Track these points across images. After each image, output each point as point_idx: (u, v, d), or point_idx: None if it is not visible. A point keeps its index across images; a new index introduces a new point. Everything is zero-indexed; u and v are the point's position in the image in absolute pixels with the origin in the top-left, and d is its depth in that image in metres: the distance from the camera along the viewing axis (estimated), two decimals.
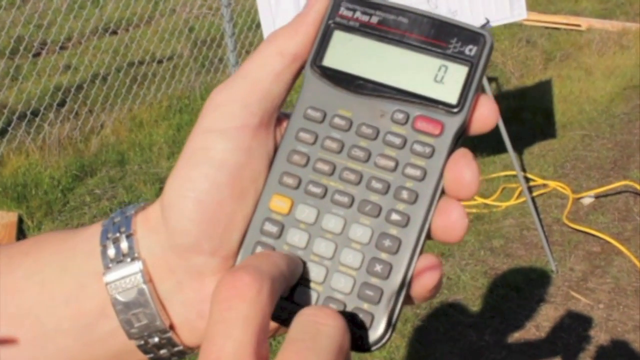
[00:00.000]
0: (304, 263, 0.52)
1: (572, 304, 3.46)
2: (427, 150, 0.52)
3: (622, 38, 7.10)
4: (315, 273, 0.52)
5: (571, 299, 3.49)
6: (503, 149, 3.72)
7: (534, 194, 4.44)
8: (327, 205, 0.52)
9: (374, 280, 0.51)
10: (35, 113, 5.29)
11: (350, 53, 0.54)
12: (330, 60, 0.54)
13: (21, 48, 5.53)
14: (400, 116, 0.53)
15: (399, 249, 0.51)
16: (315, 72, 0.55)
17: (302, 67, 0.55)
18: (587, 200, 4.35)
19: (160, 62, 6.34)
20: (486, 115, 0.53)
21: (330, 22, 0.55)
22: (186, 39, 6.72)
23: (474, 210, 4.28)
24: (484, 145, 4.91)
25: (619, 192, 4.40)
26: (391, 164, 0.52)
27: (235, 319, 0.42)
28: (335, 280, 0.51)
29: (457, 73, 0.53)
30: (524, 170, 4.68)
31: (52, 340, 0.54)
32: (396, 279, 0.51)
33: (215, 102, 0.53)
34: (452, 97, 0.52)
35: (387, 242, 0.51)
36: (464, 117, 0.52)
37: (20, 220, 4.26)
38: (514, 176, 4.31)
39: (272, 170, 0.54)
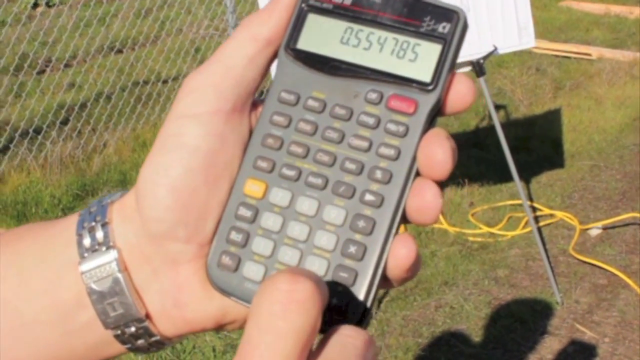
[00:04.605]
0: (279, 247, 0.52)
1: (577, 337, 3.40)
2: (401, 129, 0.52)
3: (633, 68, 7.04)
4: (290, 256, 0.51)
5: (576, 332, 3.43)
6: (510, 178, 3.67)
7: (541, 224, 4.38)
8: (301, 187, 0.52)
9: (348, 262, 0.50)
10: (37, 131, 5.28)
11: (324, 35, 0.55)
12: (304, 43, 0.55)
13: (25, 65, 5.53)
14: (373, 96, 0.53)
15: (373, 229, 0.51)
16: (289, 56, 0.54)
17: (276, 52, 0.55)
18: (595, 231, 4.28)
19: (165, 82, 6.33)
20: (463, 93, 0.53)
21: (304, 5, 0.55)
22: (192, 59, 6.72)
23: (479, 239, 4.22)
24: (490, 173, 4.86)
25: (627, 224, 4.33)
26: (365, 144, 0.52)
27: (287, 331, 0.40)
28: (310, 263, 0.51)
29: (431, 51, 0.53)
30: (531, 199, 4.62)
31: (31, 330, 0.54)
32: (371, 260, 0.50)
33: (188, 87, 0.54)
34: (425, 75, 0.52)
35: (361, 223, 0.51)
36: (438, 95, 0.52)
37: None
38: (521, 205, 4.25)
39: (246, 155, 0.54)
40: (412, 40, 0.53)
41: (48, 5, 7.39)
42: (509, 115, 6.10)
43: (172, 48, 6.63)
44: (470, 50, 3.38)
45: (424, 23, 0.53)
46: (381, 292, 3.71)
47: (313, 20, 0.55)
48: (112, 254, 0.53)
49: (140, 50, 6.65)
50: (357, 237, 0.50)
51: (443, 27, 0.53)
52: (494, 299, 3.69)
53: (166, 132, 0.53)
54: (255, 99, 0.56)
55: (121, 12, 6.94)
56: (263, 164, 0.53)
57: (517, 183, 3.62)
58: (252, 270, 0.52)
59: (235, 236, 0.52)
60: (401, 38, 0.53)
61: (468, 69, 3.45)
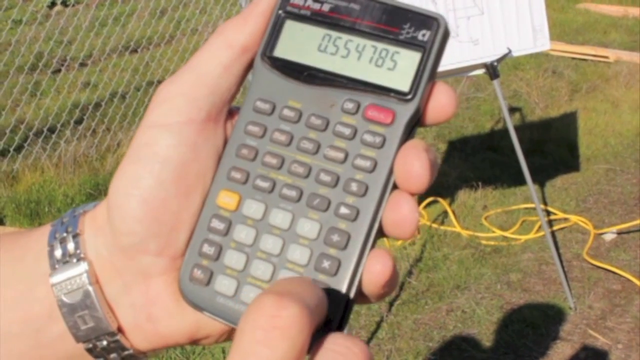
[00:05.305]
0: (252, 260, 0.50)
1: (589, 342, 3.37)
2: (378, 140, 0.50)
3: None
4: (262, 271, 0.50)
5: (589, 338, 3.40)
6: (524, 181, 3.64)
7: (555, 228, 4.35)
8: (275, 200, 0.51)
9: (322, 278, 0.49)
10: (52, 130, 5.30)
11: (301, 42, 0.53)
12: (281, 50, 0.53)
13: (41, 64, 5.55)
14: (350, 105, 0.51)
15: (348, 244, 0.49)
16: (265, 64, 0.53)
17: (253, 59, 0.54)
18: (609, 236, 4.24)
19: None
20: (443, 103, 0.51)
21: (281, 11, 0.53)
22: None
23: (492, 243, 4.20)
24: (505, 177, 4.83)
25: None
26: (341, 155, 0.50)
27: (270, 359, 0.38)
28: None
29: (409, 59, 0.51)
30: (545, 203, 4.59)
31: (3, 343, 0.53)
32: (345, 275, 0.49)
33: (161, 96, 0.52)
34: (404, 85, 0.51)
35: (335, 237, 0.49)
36: (416, 105, 0.50)
37: None
38: (534, 209, 4.22)
39: (220, 165, 0.53)
40: (391, 48, 0.51)
41: (64, 4, 7.41)
42: (524, 118, 6.07)
43: (187, 48, 6.63)
44: (484, 52, 3.36)
45: (403, 30, 0.51)
46: (392, 294, 3.69)
47: (290, 27, 0.53)
48: (83, 266, 0.52)
49: (155, 50, 6.65)
50: (331, 251, 0.49)
51: (423, 35, 0.51)
52: (506, 303, 3.67)
53: (137, 142, 0.51)
54: (232, 108, 0.55)
55: (136, 11, 6.95)
56: (237, 175, 0.52)
57: (531, 186, 3.59)
58: (224, 284, 0.50)
59: (207, 249, 0.51)
60: (380, 46, 0.52)
61: (482, 71, 3.43)
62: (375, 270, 0.48)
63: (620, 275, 3.82)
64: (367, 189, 0.50)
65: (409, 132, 0.51)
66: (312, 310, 0.41)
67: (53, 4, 8.47)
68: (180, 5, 6.89)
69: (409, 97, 0.50)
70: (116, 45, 6.42)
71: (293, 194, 0.50)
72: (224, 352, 3.27)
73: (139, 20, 6.76)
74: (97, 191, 4.80)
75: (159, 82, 6.16)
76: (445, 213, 4.47)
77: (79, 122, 5.50)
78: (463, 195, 4.68)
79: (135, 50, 6.62)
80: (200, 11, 7.02)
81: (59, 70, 6.03)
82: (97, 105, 5.68)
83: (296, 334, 0.39)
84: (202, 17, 7.18)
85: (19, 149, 5.14)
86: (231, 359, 0.39)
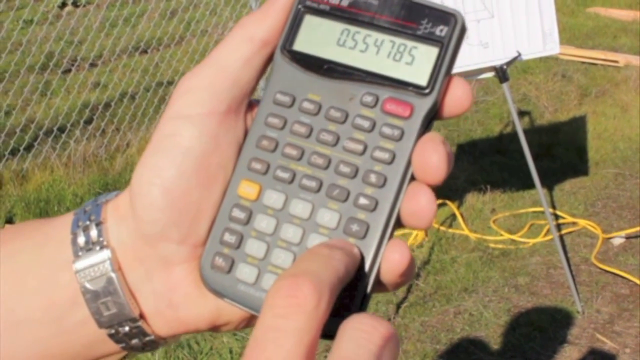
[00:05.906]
0: (272, 249, 0.51)
1: (597, 346, 3.37)
2: (396, 132, 0.51)
3: None
4: (283, 259, 0.51)
5: (596, 342, 3.39)
6: (533, 185, 3.64)
7: (563, 231, 4.34)
8: (295, 190, 0.52)
9: None
10: (61, 129, 5.31)
11: (321, 37, 0.54)
12: (301, 44, 0.54)
13: (51, 64, 5.57)
14: (369, 99, 0.52)
15: (367, 233, 0.50)
16: (285, 57, 0.54)
17: (272, 53, 0.55)
18: (618, 240, 4.23)
19: None
20: (459, 96, 0.52)
21: (300, 6, 0.54)
22: None
23: (500, 246, 4.19)
24: (513, 180, 4.83)
25: None
26: (360, 147, 0.51)
27: (290, 329, 0.41)
28: None
29: (427, 54, 0.52)
30: (553, 207, 4.59)
31: (25, 330, 0.54)
32: (364, 264, 0.50)
33: (183, 88, 0.53)
34: (422, 79, 0.52)
35: (354, 227, 0.50)
36: (434, 99, 0.51)
37: None
38: (543, 213, 4.21)
39: (241, 156, 0.54)
40: (409, 43, 0.52)
41: (75, 5, 7.44)
42: (533, 122, 6.07)
43: (197, 49, 6.64)
44: (494, 55, 3.36)
45: (421, 26, 0.52)
46: (400, 296, 3.69)
47: (310, 22, 0.54)
48: (106, 253, 0.53)
49: (165, 51, 6.67)
50: (351, 240, 0.50)
51: (440, 30, 0.52)
52: (513, 306, 3.67)
53: (160, 133, 0.53)
54: (252, 100, 0.56)
55: (147, 12, 6.97)
56: (257, 166, 0.53)
57: (539, 190, 3.59)
58: (245, 272, 0.52)
59: (228, 238, 0.52)
60: (398, 41, 0.53)
61: (491, 74, 3.43)
62: (394, 259, 0.50)
63: (629, 280, 3.82)
64: (385, 180, 0.51)
65: (427, 125, 0.52)
66: (328, 284, 0.43)
67: (64, 5, 8.48)
68: (191, 7, 6.88)
69: (427, 91, 0.51)
70: (126, 46, 6.43)
71: (313, 184, 0.51)
72: (231, 352, 3.28)
73: (149, 21, 6.78)
74: (107, 191, 4.78)
75: (169, 82, 6.18)
76: (453, 216, 4.47)
77: (88, 122, 5.52)
78: (471, 198, 4.68)
79: (145, 51, 6.63)
80: (210, 12, 7.01)
81: (69, 70, 6.04)
82: (107, 106, 5.70)
83: (312, 308, 0.41)
84: (212, 19, 7.18)
85: (29, 148, 5.15)
86: (254, 336, 0.41)
